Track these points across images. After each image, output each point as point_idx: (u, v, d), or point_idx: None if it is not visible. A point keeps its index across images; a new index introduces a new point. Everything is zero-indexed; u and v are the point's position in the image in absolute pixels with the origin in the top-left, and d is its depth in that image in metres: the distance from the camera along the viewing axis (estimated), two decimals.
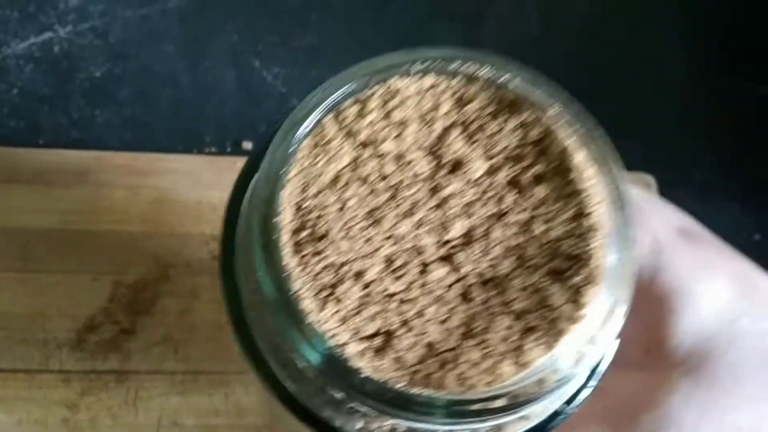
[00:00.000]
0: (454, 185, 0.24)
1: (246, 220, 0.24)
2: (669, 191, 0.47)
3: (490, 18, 0.54)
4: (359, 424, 0.23)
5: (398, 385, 0.21)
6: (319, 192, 0.23)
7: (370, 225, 0.23)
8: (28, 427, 0.39)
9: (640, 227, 0.25)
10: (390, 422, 0.23)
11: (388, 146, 0.24)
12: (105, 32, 0.49)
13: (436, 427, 0.22)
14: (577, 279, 0.23)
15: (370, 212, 0.23)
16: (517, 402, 0.22)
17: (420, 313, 0.22)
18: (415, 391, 0.21)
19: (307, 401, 0.24)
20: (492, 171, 0.24)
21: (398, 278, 0.23)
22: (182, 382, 0.41)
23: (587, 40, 0.54)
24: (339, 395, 0.22)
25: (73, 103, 0.47)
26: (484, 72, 0.25)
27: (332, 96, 0.24)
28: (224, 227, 0.26)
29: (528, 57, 0.53)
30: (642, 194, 0.28)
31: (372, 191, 0.23)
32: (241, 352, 0.25)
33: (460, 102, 0.25)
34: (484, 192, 0.24)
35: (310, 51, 0.51)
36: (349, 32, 0.52)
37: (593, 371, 0.25)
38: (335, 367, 0.21)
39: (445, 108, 0.25)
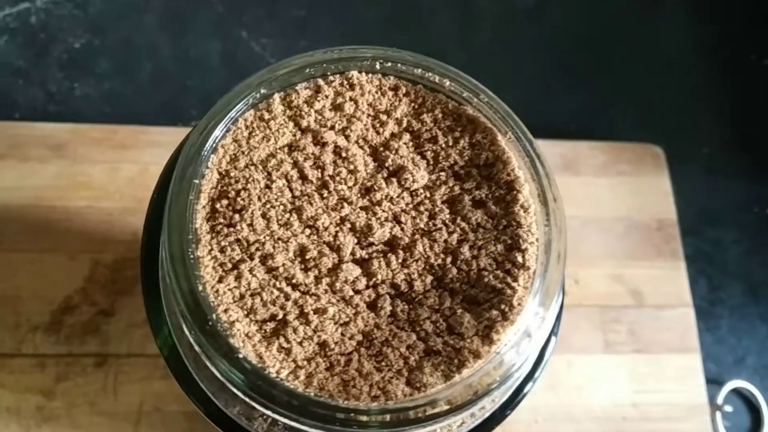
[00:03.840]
0: (389, 190, 0.23)
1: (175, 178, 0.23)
2: (678, 166, 0.46)
3: None
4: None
5: (276, 376, 0.20)
6: (249, 165, 0.23)
7: (292, 210, 0.22)
8: None
9: None
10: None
11: (331, 136, 0.23)
12: (84, 3, 0.48)
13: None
14: (493, 313, 0.21)
15: (296, 197, 0.22)
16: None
17: (321, 310, 0.21)
18: (292, 386, 0.20)
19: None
20: (433, 185, 0.23)
21: (307, 270, 0.22)
22: (165, 365, 0.38)
23: (588, 12, 0.52)
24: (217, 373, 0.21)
25: (50, 76, 0.46)
26: (448, 85, 0.24)
27: (288, 73, 0.24)
28: (156, 188, 0.25)
29: (525, 29, 0.51)
30: None
31: (303, 177, 0.23)
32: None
33: (418, 109, 0.24)
34: (419, 204, 0.23)
35: (298, 21, 0.49)
36: (337, 2, 0.50)
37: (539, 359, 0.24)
38: (217, 341, 0.20)
39: (400, 112, 0.24)
